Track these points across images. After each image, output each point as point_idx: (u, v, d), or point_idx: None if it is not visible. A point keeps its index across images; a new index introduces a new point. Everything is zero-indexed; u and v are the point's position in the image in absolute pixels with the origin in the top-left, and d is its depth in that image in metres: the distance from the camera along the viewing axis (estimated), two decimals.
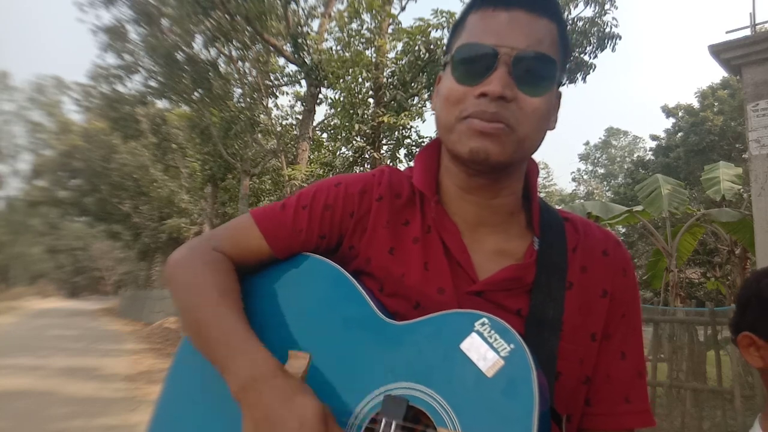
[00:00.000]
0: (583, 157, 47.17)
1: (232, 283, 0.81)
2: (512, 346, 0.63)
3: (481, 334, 0.65)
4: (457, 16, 0.84)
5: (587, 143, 47.87)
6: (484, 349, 0.64)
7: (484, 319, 0.66)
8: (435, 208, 0.81)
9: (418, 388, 0.67)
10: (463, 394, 0.64)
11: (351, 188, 0.84)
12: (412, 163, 0.90)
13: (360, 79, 10.79)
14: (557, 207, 0.92)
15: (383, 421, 0.66)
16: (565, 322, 0.75)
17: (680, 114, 23.33)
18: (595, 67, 10.76)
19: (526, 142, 0.73)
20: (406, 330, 0.72)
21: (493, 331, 0.65)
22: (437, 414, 0.64)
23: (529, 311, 0.75)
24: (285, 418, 0.64)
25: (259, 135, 14.73)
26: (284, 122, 15.93)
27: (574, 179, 47.02)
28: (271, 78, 14.91)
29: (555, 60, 0.73)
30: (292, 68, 14.16)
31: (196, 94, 14.36)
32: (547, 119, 0.76)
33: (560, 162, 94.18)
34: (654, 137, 25.53)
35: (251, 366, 0.70)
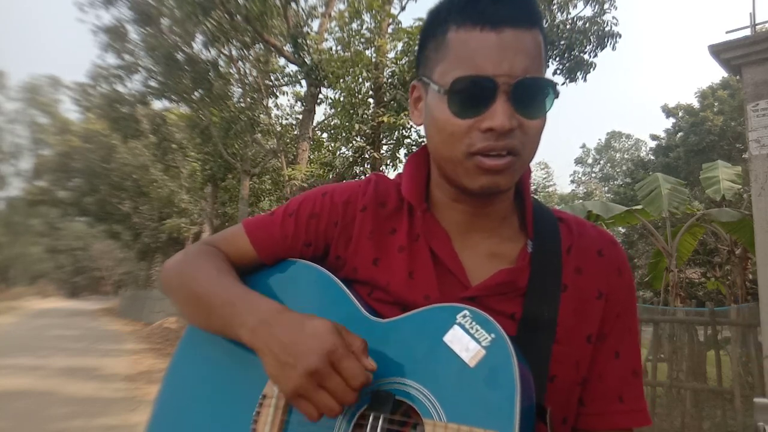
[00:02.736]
0: (579, 160, 47.03)
1: (228, 266, 0.84)
2: (493, 335, 0.65)
3: (463, 326, 0.67)
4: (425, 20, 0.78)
5: (583, 146, 47.80)
6: (466, 340, 0.66)
7: (466, 311, 0.68)
8: (423, 217, 0.81)
9: (404, 383, 0.68)
10: (447, 385, 0.66)
11: (336, 198, 0.86)
12: None
13: (360, 79, 10.79)
14: (557, 207, 0.92)
15: (371, 416, 0.67)
16: (560, 324, 0.75)
17: (680, 114, 23.32)
18: (595, 66, 10.76)
19: (529, 161, 0.75)
20: (392, 327, 0.73)
21: (474, 323, 0.67)
22: (423, 406, 0.66)
23: (522, 315, 0.75)
24: (301, 342, 0.67)
25: (259, 135, 14.73)
26: (284, 122, 15.93)
27: (573, 181, 46.95)
28: (271, 78, 14.91)
29: (549, 78, 0.72)
30: (292, 68, 14.15)
31: (196, 94, 14.36)
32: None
33: (561, 163, 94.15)
34: (654, 137, 25.55)
35: (257, 312, 0.73)
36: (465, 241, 0.81)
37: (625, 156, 44.08)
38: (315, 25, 14.09)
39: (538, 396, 0.68)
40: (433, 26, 0.75)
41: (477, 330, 0.66)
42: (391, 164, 11.94)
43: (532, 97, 0.70)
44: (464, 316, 0.67)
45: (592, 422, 0.78)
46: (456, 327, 0.67)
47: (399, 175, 0.89)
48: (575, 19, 10.45)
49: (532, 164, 0.85)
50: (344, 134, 11.39)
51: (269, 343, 0.69)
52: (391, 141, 11.80)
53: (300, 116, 14.36)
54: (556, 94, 0.72)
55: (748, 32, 5.09)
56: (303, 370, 0.65)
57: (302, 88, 14.49)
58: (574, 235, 0.82)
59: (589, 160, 46.79)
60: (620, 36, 10.43)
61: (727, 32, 5.07)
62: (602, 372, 0.78)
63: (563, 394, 0.75)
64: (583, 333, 0.77)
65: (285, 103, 36.54)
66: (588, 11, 10.44)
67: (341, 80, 10.76)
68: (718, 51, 4.55)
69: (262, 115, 14.25)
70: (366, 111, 10.95)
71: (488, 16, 0.69)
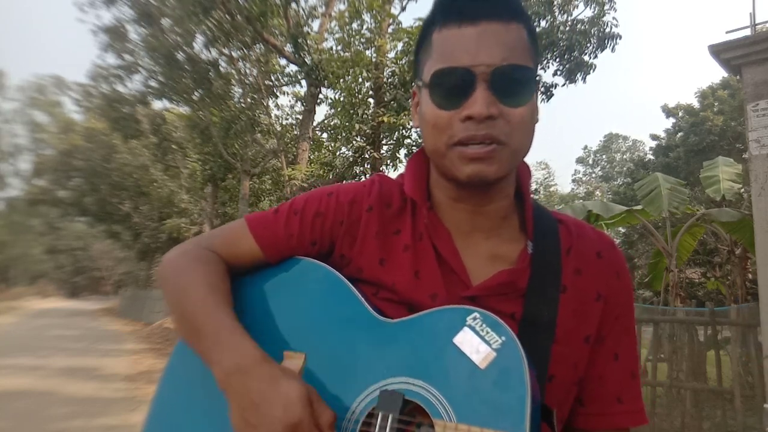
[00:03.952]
0: (580, 160, 46.99)
1: (222, 279, 0.82)
2: (503, 338, 0.66)
3: (473, 328, 0.67)
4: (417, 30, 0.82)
5: (585, 147, 47.79)
6: (476, 342, 0.66)
7: (476, 314, 0.68)
8: (427, 215, 0.81)
9: (413, 383, 0.68)
10: (457, 386, 0.66)
11: (342, 198, 0.86)
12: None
13: (360, 79, 10.80)
14: (557, 207, 0.93)
15: (380, 415, 0.67)
16: (559, 325, 0.76)
17: (680, 114, 23.31)
18: (595, 67, 10.75)
19: (520, 151, 0.75)
20: (401, 327, 0.73)
21: (484, 325, 0.67)
22: (433, 407, 0.66)
23: (522, 315, 0.76)
24: (270, 403, 0.65)
25: (259, 135, 14.73)
26: (284, 122, 15.93)
27: (573, 181, 46.89)
28: (272, 78, 14.90)
29: (530, 66, 0.73)
30: (292, 68, 14.15)
31: (196, 94, 14.35)
32: (534, 122, 0.75)
33: (562, 163, 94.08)
34: (654, 137, 25.53)
35: (236, 355, 0.71)
36: (466, 241, 0.81)
37: (625, 157, 44.02)
38: (315, 25, 14.10)
39: (541, 395, 0.69)
40: (424, 32, 0.78)
41: (487, 332, 0.67)
42: (391, 164, 11.95)
43: (512, 85, 0.71)
44: (474, 318, 0.68)
45: (592, 422, 0.80)
46: (466, 329, 0.68)
47: (401, 175, 0.90)
48: (575, 20, 10.45)
49: (532, 164, 0.85)
50: (344, 134, 11.40)
51: (238, 395, 0.68)
52: (391, 141, 11.81)
53: (300, 116, 14.36)
54: (538, 82, 0.74)
55: (748, 32, 5.09)
56: None
57: (302, 88, 14.50)
58: (573, 237, 0.83)
59: (590, 161, 46.79)
60: (620, 37, 10.43)
61: (727, 32, 5.08)
62: (602, 374, 0.79)
63: (561, 394, 0.76)
64: (581, 334, 0.78)
65: (285, 103, 36.65)
66: (588, 13, 10.47)
67: (341, 80, 10.77)
68: (718, 51, 4.55)
69: (262, 115, 14.24)
70: (366, 111, 10.97)
71: (467, 13, 0.72)
